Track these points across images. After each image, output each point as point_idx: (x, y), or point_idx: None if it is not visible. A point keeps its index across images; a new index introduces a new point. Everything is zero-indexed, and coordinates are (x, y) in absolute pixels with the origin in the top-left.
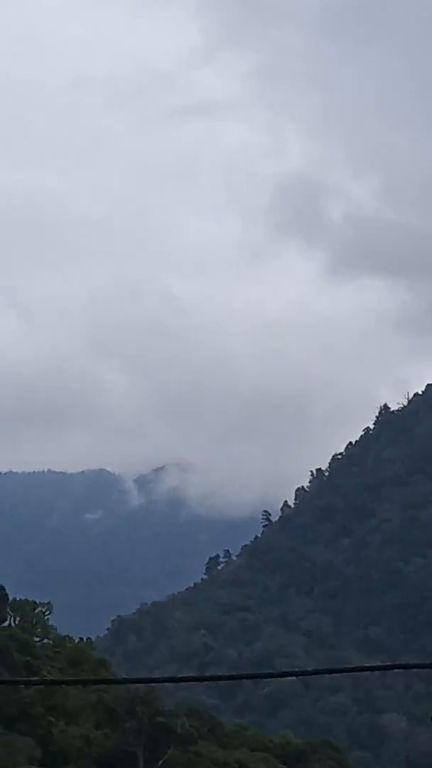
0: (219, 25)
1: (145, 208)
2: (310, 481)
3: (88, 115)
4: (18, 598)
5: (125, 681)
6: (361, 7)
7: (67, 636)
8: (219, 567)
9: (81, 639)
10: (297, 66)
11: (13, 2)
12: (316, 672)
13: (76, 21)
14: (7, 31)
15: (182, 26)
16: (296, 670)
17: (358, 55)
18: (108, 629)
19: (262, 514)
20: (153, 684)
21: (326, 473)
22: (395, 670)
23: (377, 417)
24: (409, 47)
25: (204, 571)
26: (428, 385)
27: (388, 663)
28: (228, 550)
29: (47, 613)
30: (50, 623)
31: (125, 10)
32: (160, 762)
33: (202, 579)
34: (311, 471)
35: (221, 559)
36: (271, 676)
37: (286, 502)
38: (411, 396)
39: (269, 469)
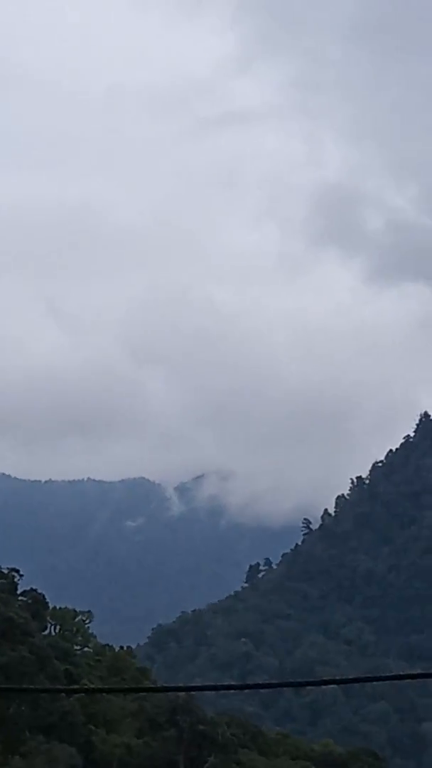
0: (255, 35)
1: (184, 218)
2: (350, 489)
3: (127, 124)
4: (58, 607)
5: (166, 689)
6: (397, 16)
7: (108, 644)
8: (259, 575)
9: (121, 647)
10: (334, 75)
11: (50, 15)
12: (357, 680)
13: (113, 32)
14: (47, 44)
15: (218, 36)
16: (337, 678)
17: (395, 63)
18: (148, 637)
19: (303, 522)
20: (194, 692)
21: (366, 481)
22: None
23: (418, 425)
24: None
25: (244, 580)
26: None
27: (431, 671)
28: (268, 559)
29: (87, 621)
30: (91, 631)
31: (162, 20)
32: None
33: (242, 587)
34: (351, 479)
35: (261, 567)
36: (313, 684)
37: (326, 510)
38: None
39: (310, 477)
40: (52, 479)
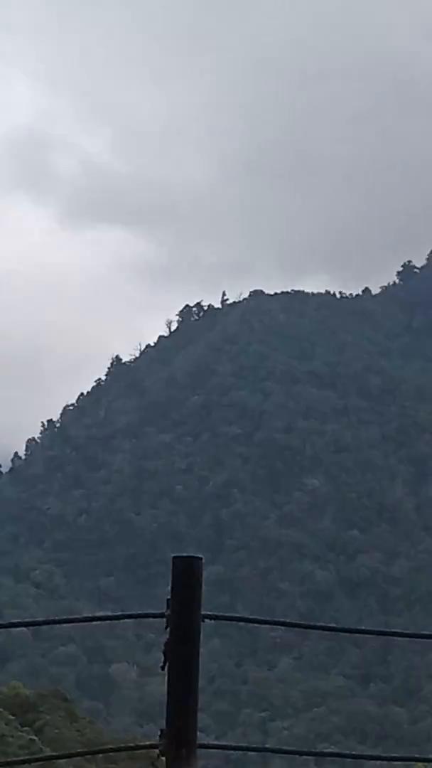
0: None
1: None
2: (41, 433)
3: None
4: None
5: None
6: None
7: None
8: None
9: None
10: (24, 17)
11: None
12: (46, 622)
13: None
14: None
15: None
16: (26, 620)
17: (86, 5)
18: None
19: None
20: None
21: (57, 424)
22: (126, 620)
23: (109, 368)
24: (137, 2)
25: None
26: (160, 336)
27: (119, 613)
28: None
29: None
30: None
31: None
32: None
33: None
34: (42, 422)
35: None
36: (1, 627)
37: (16, 453)
38: (143, 348)
39: (0, 420)
40: None
